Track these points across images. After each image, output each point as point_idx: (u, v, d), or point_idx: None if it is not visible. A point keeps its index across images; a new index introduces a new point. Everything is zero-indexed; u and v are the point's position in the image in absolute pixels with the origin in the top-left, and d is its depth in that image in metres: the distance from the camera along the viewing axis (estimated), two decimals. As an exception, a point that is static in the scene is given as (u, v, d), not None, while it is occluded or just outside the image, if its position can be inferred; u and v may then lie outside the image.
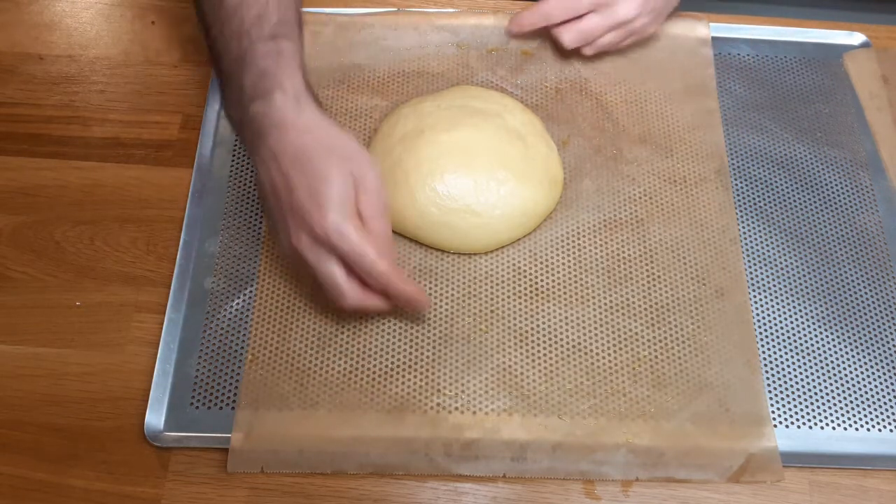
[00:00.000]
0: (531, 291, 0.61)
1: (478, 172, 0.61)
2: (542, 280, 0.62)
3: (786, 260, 0.64)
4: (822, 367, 0.60)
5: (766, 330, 0.61)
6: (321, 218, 0.51)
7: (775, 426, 0.57)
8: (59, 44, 0.74)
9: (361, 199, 0.53)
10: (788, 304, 0.62)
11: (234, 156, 0.67)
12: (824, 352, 0.61)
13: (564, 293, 0.61)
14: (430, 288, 0.61)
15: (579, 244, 0.63)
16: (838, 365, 0.60)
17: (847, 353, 0.61)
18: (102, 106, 0.71)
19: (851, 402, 0.59)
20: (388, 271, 0.53)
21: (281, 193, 0.53)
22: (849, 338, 0.61)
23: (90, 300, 0.62)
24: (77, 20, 0.76)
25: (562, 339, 0.60)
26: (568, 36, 0.69)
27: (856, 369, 0.60)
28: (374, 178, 0.53)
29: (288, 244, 0.54)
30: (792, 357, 0.60)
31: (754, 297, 0.62)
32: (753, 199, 0.67)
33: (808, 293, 0.63)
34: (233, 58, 0.56)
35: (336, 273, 0.53)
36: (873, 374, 0.60)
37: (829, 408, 0.58)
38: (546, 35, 0.73)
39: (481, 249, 0.62)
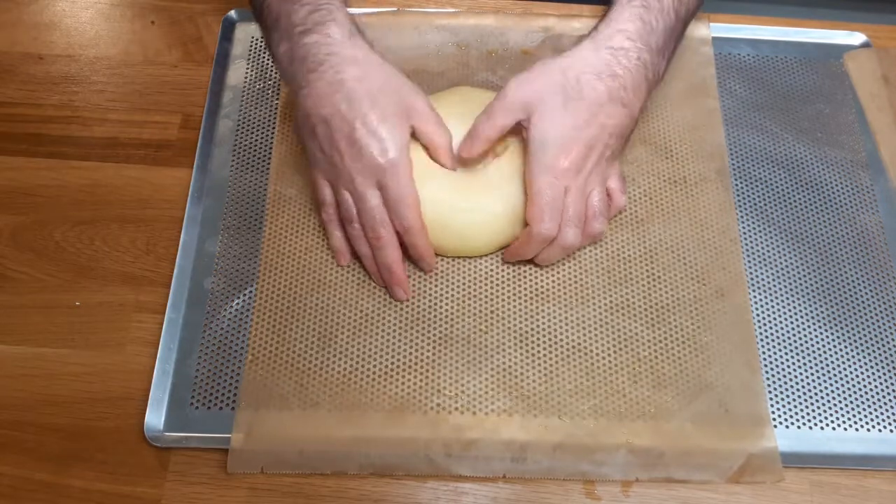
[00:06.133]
0: (531, 292, 0.61)
1: (476, 173, 0.61)
2: (541, 281, 0.62)
3: (786, 260, 0.64)
4: (823, 368, 0.60)
5: (766, 330, 0.61)
6: (381, 154, 0.55)
7: (775, 426, 0.57)
8: (58, 43, 0.74)
9: (425, 139, 0.59)
10: (789, 304, 0.62)
11: (234, 155, 0.67)
12: (824, 352, 0.61)
13: (564, 294, 0.61)
14: (431, 289, 0.61)
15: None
16: (838, 365, 0.60)
17: (847, 353, 0.61)
18: (102, 106, 0.71)
19: (852, 402, 0.59)
20: (418, 222, 0.57)
21: (335, 123, 0.56)
22: (849, 338, 0.61)
23: (90, 300, 0.62)
24: (77, 20, 0.76)
25: (562, 340, 0.60)
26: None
27: (856, 369, 0.60)
28: (431, 117, 0.59)
29: (327, 170, 0.58)
30: (792, 357, 0.60)
31: (754, 297, 0.62)
32: (754, 199, 0.67)
33: (808, 293, 0.63)
34: None
35: (376, 206, 0.57)
36: (874, 374, 0.60)
37: (830, 408, 0.58)
38: (546, 35, 0.73)
39: (480, 251, 0.62)
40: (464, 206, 0.60)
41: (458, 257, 0.62)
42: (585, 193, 0.58)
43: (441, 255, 0.62)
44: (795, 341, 0.61)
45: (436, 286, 0.61)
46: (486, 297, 0.61)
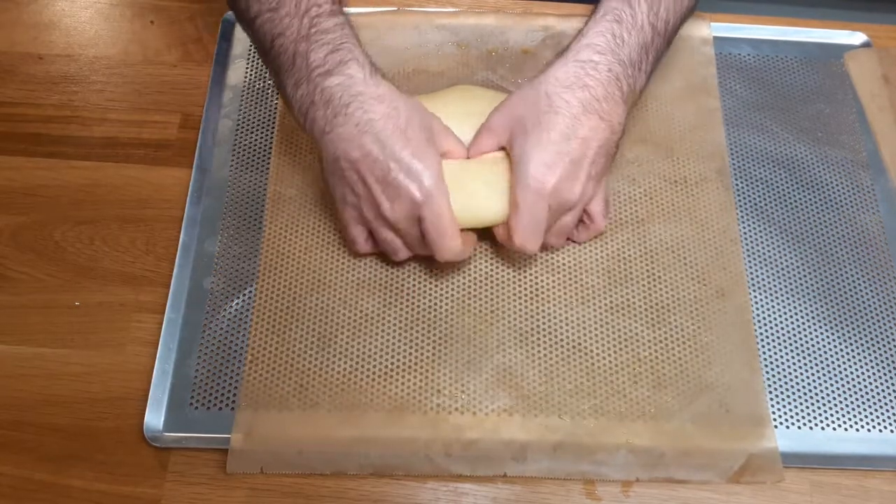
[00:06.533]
0: (531, 292, 0.61)
1: (479, 161, 0.60)
2: (541, 280, 0.62)
3: (786, 260, 0.64)
4: (823, 368, 0.60)
5: (766, 330, 0.61)
6: (418, 189, 0.54)
7: (776, 427, 0.57)
8: (58, 43, 0.74)
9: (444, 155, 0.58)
10: (789, 304, 0.62)
11: (233, 155, 0.67)
12: (825, 352, 0.60)
13: (564, 294, 0.61)
14: (431, 288, 0.61)
15: (579, 244, 0.63)
16: (839, 365, 0.60)
17: (848, 353, 0.60)
18: (101, 105, 0.71)
19: (852, 402, 0.59)
20: (459, 249, 0.57)
21: (366, 166, 0.55)
22: (849, 338, 0.61)
23: (90, 300, 0.61)
24: (76, 20, 0.76)
25: (562, 340, 0.59)
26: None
27: (857, 370, 0.60)
28: (448, 134, 0.59)
29: (359, 212, 0.57)
30: (792, 357, 0.60)
31: (755, 297, 0.62)
32: (754, 199, 0.67)
33: (808, 293, 0.63)
34: (294, 37, 0.56)
35: (419, 238, 0.57)
36: (874, 374, 0.60)
37: (830, 408, 0.58)
38: (546, 34, 0.73)
39: (485, 220, 0.60)
40: (463, 179, 0.58)
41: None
42: (562, 213, 0.58)
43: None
44: (796, 341, 0.61)
45: (436, 286, 0.61)
46: (486, 296, 0.61)
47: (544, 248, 0.62)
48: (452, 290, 0.61)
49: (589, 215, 0.60)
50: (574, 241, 0.63)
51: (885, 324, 0.62)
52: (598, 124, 0.56)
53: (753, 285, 0.63)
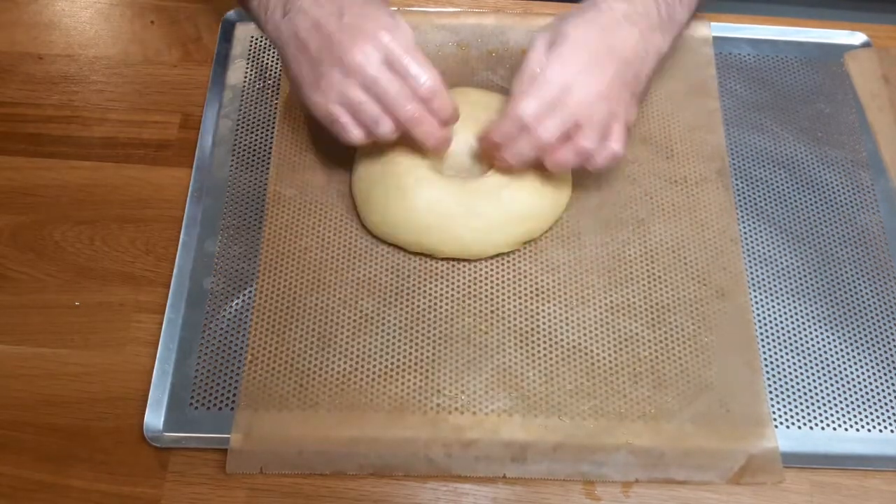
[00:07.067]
0: (532, 292, 0.61)
1: (475, 180, 0.61)
2: (542, 280, 0.62)
3: (786, 260, 0.64)
4: (823, 368, 0.60)
5: (766, 330, 0.61)
6: (374, 20, 0.55)
7: (776, 427, 0.57)
8: (58, 43, 0.74)
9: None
10: (789, 304, 0.62)
11: (233, 155, 0.67)
12: (825, 352, 0.60)
13: (565, 294, 0.61)
14: (431, 288, 0.61)
15: (580, 244, 0.63)
16: (839, 365, 0.60)
17: (848, 353, 0.60)
18: (102, 105, 0.71)
19: (852, 402, 0.59)
20: (438, 79, 0.55)
21: (323, 20, 0.55)
22: (850, 338, 0.61)
23: (89, 300, 0.61)
24: (76, 20, 0.76)
25: (562, 340, 0.59)
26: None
27: (857, 370, 0.60)
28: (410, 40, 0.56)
29: (323, 82, 0.56)
30: (793, 357, 0.60)
31: (755, 297, 0.62)
32: (754, 199, 0.67)
33: (808, 293, 0.63)
34: None
35: (391, 80, 0.55)
36: (874, 374, 0.60)
37: (831, 408, 0.58)
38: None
39: (478, 255, 0.62)
40: (462, 211, 0.59)
41: (458, 259, 0.62)
42: (577, 113, 0.55)
43: (439, 258, 0.62)
44: (796, 341, 0.61)
45: (436, 286, 0.61)
46: (487, 296, 0.61)
47: (558, 161, 0.58)
48: (452, 289, 0.61)
49: (607, 134, 0.57)
50: (590, 167, 0.58)
51: (885, 324, 0.62)
52: (635, 37, 0.57)
53: (753, 285, 0.63)
